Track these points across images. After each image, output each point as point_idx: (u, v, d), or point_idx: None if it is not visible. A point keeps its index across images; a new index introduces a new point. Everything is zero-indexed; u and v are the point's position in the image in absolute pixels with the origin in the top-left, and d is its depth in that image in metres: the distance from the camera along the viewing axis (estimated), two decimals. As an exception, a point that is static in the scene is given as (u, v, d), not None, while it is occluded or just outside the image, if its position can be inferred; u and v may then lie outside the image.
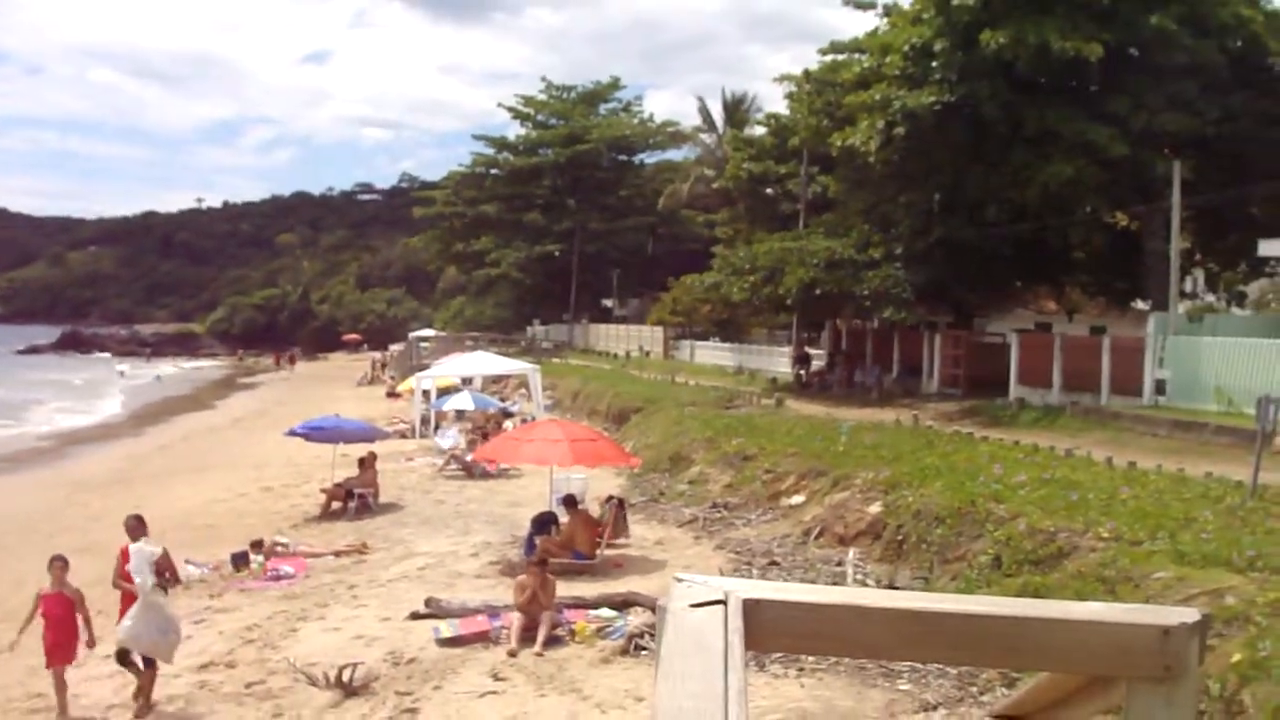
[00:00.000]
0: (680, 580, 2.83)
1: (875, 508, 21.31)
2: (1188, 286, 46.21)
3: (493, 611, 17.67)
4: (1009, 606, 2.88)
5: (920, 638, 2.74)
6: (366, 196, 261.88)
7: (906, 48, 38.16)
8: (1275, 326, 37.33)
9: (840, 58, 46.94)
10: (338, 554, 23.97)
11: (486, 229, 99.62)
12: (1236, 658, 10.93)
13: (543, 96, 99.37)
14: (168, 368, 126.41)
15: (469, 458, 34.44)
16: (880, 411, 37.87)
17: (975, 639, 2.72)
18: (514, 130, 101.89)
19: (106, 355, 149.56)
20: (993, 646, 2.75)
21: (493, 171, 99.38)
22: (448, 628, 17.15)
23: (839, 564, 19.59)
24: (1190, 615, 2.69)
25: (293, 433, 32.48)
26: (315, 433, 32.29)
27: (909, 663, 13.23)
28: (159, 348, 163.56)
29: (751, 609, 2.70)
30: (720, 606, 2.68)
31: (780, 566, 20.25)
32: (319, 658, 16.23)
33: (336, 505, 29.32)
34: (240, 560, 22.84)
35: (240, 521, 28.73)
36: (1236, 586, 12.60)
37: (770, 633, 2.74)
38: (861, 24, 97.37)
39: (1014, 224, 39.91)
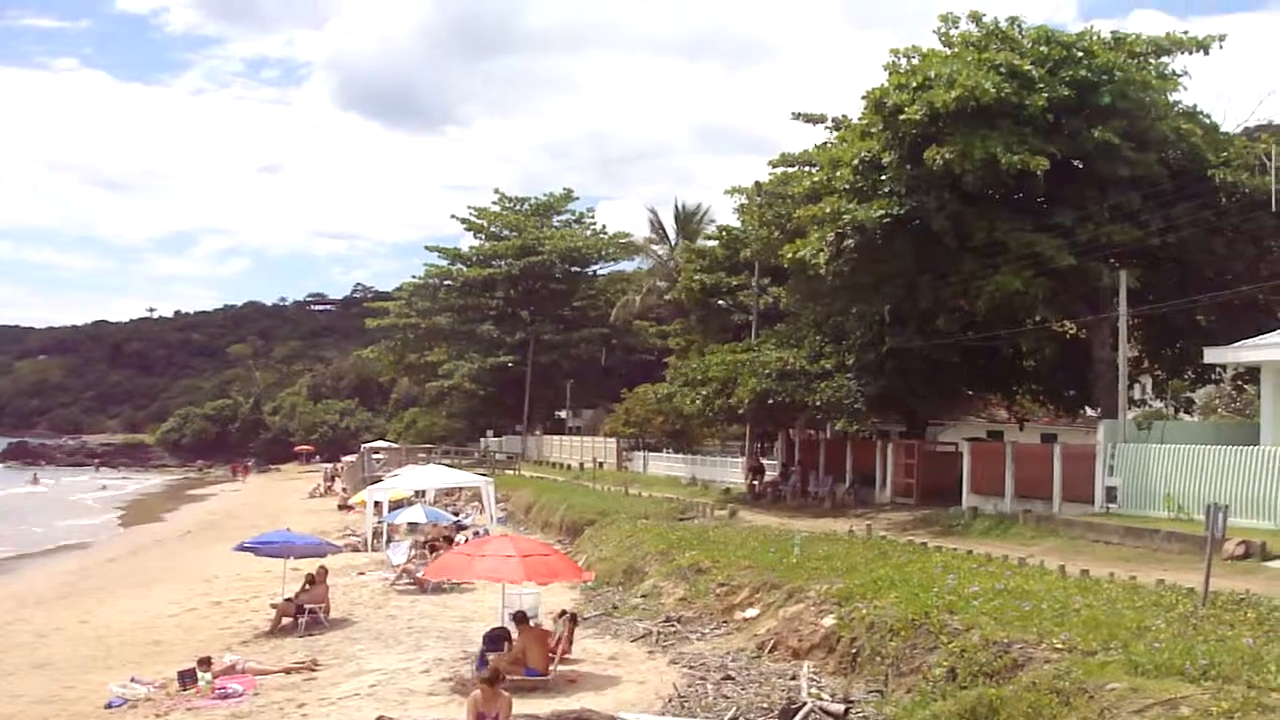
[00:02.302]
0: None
1: (829, 620, 21.20)
2: (1136, 394, 46.59)
3: (447, 731, 17.46)
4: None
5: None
6: (319, 307, 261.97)
7: (856, 161, 38.63)
8: (1222, 433, 37.65)
9: (790, 170, 47.58)
10: (288, 671, 23.63)
11: (440, 340, 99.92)
12: (1191, 770, 10.90)
13: (496, 208, 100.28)
14: (115, 479, 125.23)
15: (420, 573, 34.15)
16: (834, 521, 37.93)
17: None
18: (467, 241, 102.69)
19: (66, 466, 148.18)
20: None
21: (446, 283, 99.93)
22: (399, 746, 16.92)
23: (793, 678, 19.42)
24: None
25: (242, 547, 32.19)
26: (265, 547, 32.05)
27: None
28: (108, 459, 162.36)
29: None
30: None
31: (735, 681, 20.04)
32: (267, 780, 15.98)
33: (287, 621, 28.93)
34: (188, 678, 22.43)
35: (188, 637, 28.40)
36: (1190, 696, 12.57)
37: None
38: (811, 137, 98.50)
39: (964, 333, 40.25)
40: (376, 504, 47.91)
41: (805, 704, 17.26)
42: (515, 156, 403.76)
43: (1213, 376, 46.15)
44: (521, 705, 18.23)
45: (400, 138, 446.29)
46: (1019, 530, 32.56)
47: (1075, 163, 37.11)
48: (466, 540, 37.41)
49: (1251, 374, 39.15)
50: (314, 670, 23.75)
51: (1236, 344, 34.77)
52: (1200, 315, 40.95)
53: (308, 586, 29.88)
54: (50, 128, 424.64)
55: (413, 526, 44.72)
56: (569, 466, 78.11)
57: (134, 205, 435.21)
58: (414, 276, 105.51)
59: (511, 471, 77.55)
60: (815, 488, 47.80)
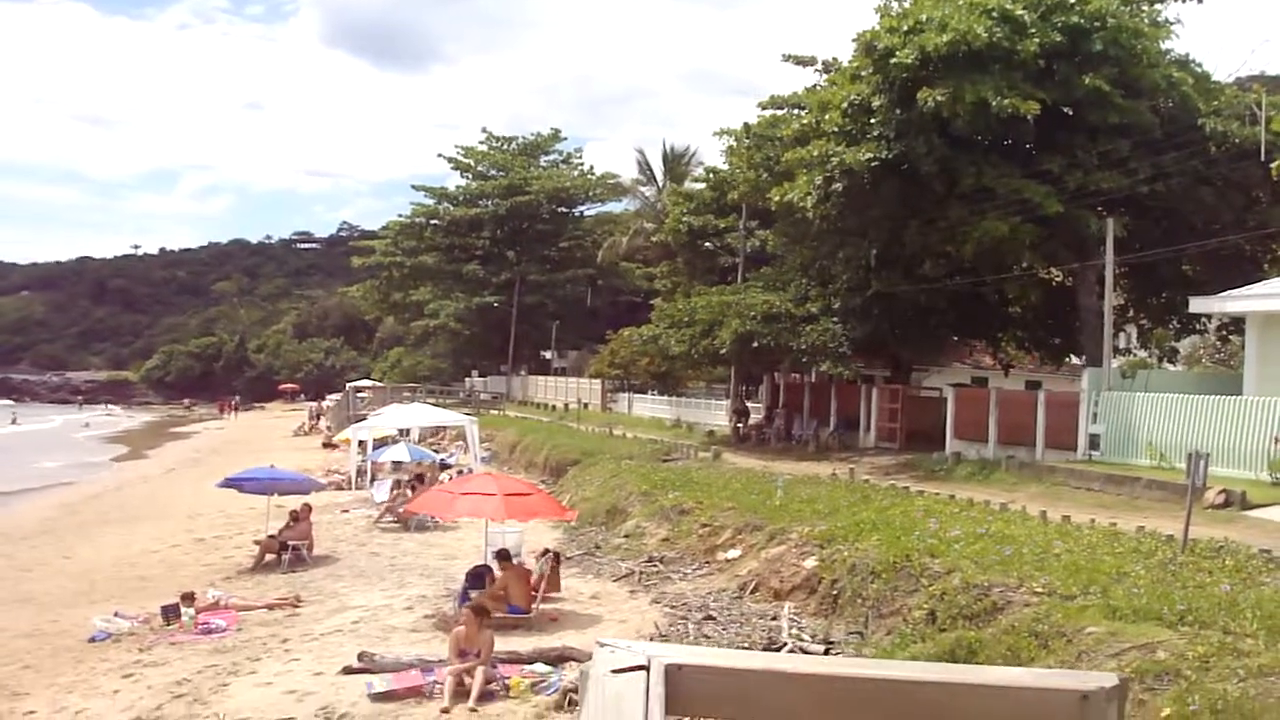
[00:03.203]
0: (603, 645, 2.80)
1: (811, 562, 21.28)
2: (1121, 342, 46.67)
3: (426, 666, 17.45)
4: (932, 672, 2.87)
5: (844, 703, 2.72)
6: (305, 245, 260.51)
7: (845, 104, 38.38)
8: (1206, 382, 37.74)
9: (779, 112, 47.30)
10: (270, 607, 23.64)
11: (425, 279, 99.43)
12: (1166, 712, 10.98)
13: (483, 148, 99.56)
14: (100, 416, 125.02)
15: (402, 510, 34.19)
16: (817, 465, 37.98)
17: (898, 705, 2.70)
18: (454, 181, 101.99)
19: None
20: (915, 712, 2.72)
21: (432, 222, 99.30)
22: (381, 682, 16.90)
23: (774, 619, 19.53)
24: (1108, 680, 2.69)
25: (226, 483, 32.13)
26: (249, 483, 31.98)
27: None
28: (91, 395, 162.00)
29: (674, 675, 2.67)
30: (642, 673, 2.65)
31: (716, 621, 20.15)
32: (250, 713, 15.99)
33: (270, 557, 28.91)
34: (171, 613, 22.43)
35: (172, 573, 28.35)
36: (1167, 641, 12.65)
37: (693, 698, 2.71)
38: (800, 80, 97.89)
39: (950, 279, 40.23)
40: (361, 442, 47.91)
41: (786, 644, 17.38)
42: (502, 96, 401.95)
43: (1198, 326, 46.19)
44: (504, 642, 18.30)
45: (387, 76, 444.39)
46: (1001, 476, 32.64)
47: (1065, 109, 36.91)
48: (450, 479, 37.45)
49: (1236, 324, 39.21)
50: (297, 606, 23.76)
51: (1222, 294, 34.77)
52: (1187, 265, 40.97)
53: (291, 523, 29.86)
54: (34, 61, 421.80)
55: (396, 465, 44.71)
56: (554, 407, 78.03)
57: (118, 141, 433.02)
58: (400, 215, 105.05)
59: (496, 411, 77.51)
60: (799, 431, 47.86)
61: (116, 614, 22.79)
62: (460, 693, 16.23)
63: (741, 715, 2.80)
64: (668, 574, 24.89)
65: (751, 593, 21.92)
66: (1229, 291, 34.61)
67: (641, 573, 25.25)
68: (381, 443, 49.05)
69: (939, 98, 34.25)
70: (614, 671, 2.67)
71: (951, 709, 2.68)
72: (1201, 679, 11.40)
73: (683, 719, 2.81)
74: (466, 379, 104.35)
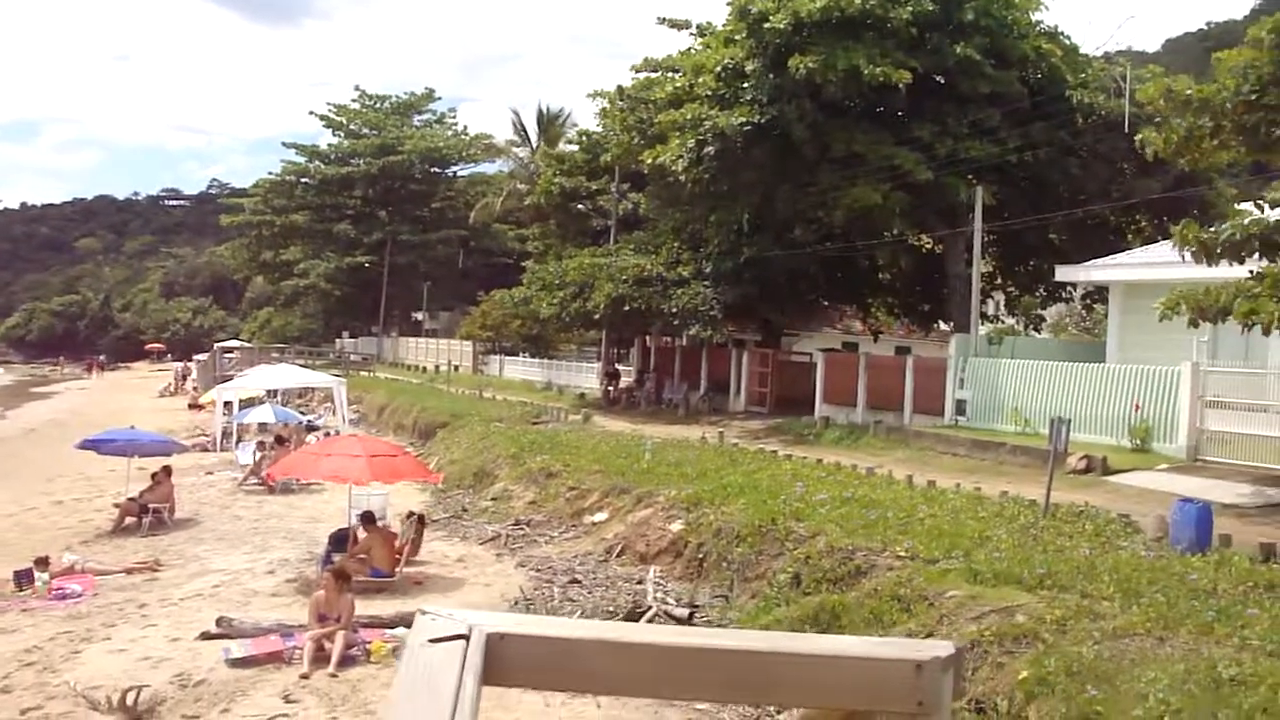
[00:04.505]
0: (425, 613, 2.61)
1: (677, 525, 21.25)
2: (989, 309, 47.27)
3: (286, 631, 17.15)
4: (764, 641, 2.71)
5: (673, 674, 2.55)
6: (173, 202, 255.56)
7: (719, 68, 38.39)
8: (1071, 350, 38.33)
9: (654, 75, 47.11)
10: (129, 571, 23.13)
11: (296, 238, 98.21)
12: (1023, 675, 11.04)
13: (355, 106, 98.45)
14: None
15: (266, 472, 33.67)
16: (687, 428, 38.02)
17: (729, 675, 2.54)
18: (326, 139, 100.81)
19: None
20: (746, 683, 2.58)
21: (303, 180, 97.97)
22: (239, 648, 16.57)
23: (640, 582, 19.46)
24: (944, 649, 2.55)
25: (84, 445, 31.41)
26: (108, 445, 31.30)
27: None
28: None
29: (496, 644, 2.49)
30: (462, 642, 2.46)
31: (581, 584, 20.06)
32: (103, 681, 15.52)
33: (130, 521, 28.26)
34: (24, 578, 21.81)
35: (27, 537, 27.55)
36: (1026, 604, 12.75)
37: (516, 669, 2.53)
38: (676, 43, 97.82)
39: (821, 244, 40.44)
40: (226, 403, 47.13)
41: (650, 608, 17.29)
42: (377, 54, 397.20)
43: (1064, 295, 46.92)
44: (367, 606, 18.08)
45: (258, 29, 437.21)
46: (870, 440, 32.87)
47: (937, 78, 37.23)
48: (317, 441, 36.96)
49: (1100, 293, 39.85)
50: (156, 571, 23.29)
51: (1087, 263, 35.35)
52: (1053, 234, 41.63)
53: (152, 486, 29.28)
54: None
55: (262, 426, 44.02)
56: (424, 369, 77.47)
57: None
58: (271, 173, 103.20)
59: (366, 373, 76.69)
60: (670, 394, 47.89)
61: (-35, 579, 22.14)
62: (320, 658, 15.99)
63: (568, 686, 2.65)
64: (534, 537, 24.78)
65: (617, 556, 21.86)
66: (1094, 260, 35.20)
67: (508, 536, 25.13)
68: (248, 404, 48.32)
69: (811, 64, 34.30)
70: (431, 641, 2.47)
71: (783, 679, 2.54)
72: (1059, 641, 11.51)
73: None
74: (337, 340, 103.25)
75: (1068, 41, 40.11)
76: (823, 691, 2.56)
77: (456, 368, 72.39)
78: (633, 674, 2.56)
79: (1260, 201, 21.12)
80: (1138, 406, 27.77)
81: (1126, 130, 32.13)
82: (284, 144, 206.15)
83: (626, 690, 2.63)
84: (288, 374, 52.35)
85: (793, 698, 2.77)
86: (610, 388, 52.08)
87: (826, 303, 51.19)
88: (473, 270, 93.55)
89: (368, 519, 22.35)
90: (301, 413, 51.73)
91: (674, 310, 42.58)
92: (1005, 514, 18.88)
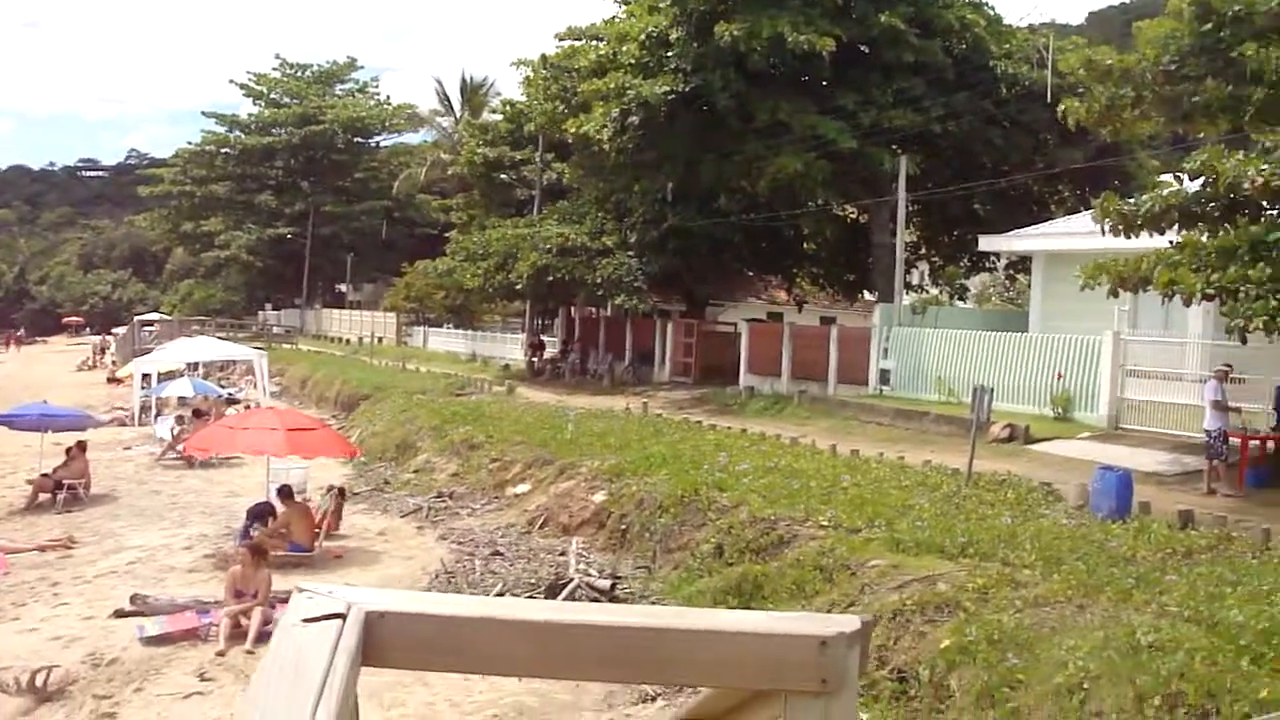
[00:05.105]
0: (302, 590, 2.42)
1: (600, 496, 21.15)
2: (913, 279, 47.40)
3: (202, 608, 16.86)
4: (663, 618, 2.55)
5: (561, 653, 2.38)
6: (91, 173, 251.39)
7: (642, 36, 38.20)
8: (995, 319, 38.51)
9: (577, 44, 46.82)
10: (42, 549, 22.65)
11: (216, 210, 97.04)
12: (945, 643, 11.03)
13: (276, 74, 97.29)
14: None
15: (181, 447, 33.17)
16: (611, 399, 37.91)
17: (620, 654, 2.38)
18: (246, 108, 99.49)
19: None
20: (640, 662, 2.41)
21: (223, 151, 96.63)
22: (153, 626, 16.26)
23: (562, 554, 19.32)
24: (849, 624, 2.41)
25: (-3, 420, 30.84)
26: (20, 420, 30.67)
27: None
28: None
29: (376, 623, 2.32)
30: (337, 622, 2.28)
31: (504, 557, 19.88)
32: (11, 662, 15.18)
33: (44, 497, 27.66)
34: (-68, 555, 21.39)
35: (-65, 516, 27.05)
36: (948, 573, 12.74)
37: (396, 649, 2.36)
38: (599, 11, 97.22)
39: (745, 214, 40.37)
40: (145, 376, 46.47)
41: (573, 579, 17.15)
42: (297, 21, 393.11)
43: (988, 264, 47.13)
44: (285, 581, 17.75)
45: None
46: (794, 410, 32.87)
47: (861, 47, 37.30)
48: (237, 414, 36.51)
49: (1024, 263, 40.00)
50: (70, 548, 22.81)
51: (1010, 233, 35.49)
52: (977, 204, 41.83)
53: (67, 461, 28.75)
54: None
55: (181, 400, 43.43)
56: (348, 341, 76.90)
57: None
58: (190, 143, 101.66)
59: (289, 345, 76.15)
60: (594, 365, 47.74)
61: None
62: (237, 635, 15.76)
63: (452, 667, 2.49)
64: (456, 509, 24.62)
65: (540, 528, 21.72)
66: (1017, 230, 35.36)
67: (430, 508, 24.94)
68: (167, 377, 47.66)
69: (736, 32, 34.22)
70: (305, 620, 2.29)
71: (683, 656, 2.37)
72: (980, 610, 11.50)
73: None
74: (260, 312, 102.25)
75: (991, 12, 40.34)
76: (720, 669, 2.41)
77: (380, 340, 72.01)
78: (521, 653, 2.40)
79: (1179, 173, 21.22)
80: (1060, 375, 27.95)
81: (1049, 101, 32.22)
82: (204, 113, 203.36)
83: (515, 670, 2.46)
84: (208, 347, 51.79)
85: (689, 676, 2.62)
86: (535, 359, 51.87)
87: (751, 273, 51.27)
88: (397, 241, 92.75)
89: (285, 493, 22.06)
90: (222, 386, 51.06)
91: (598, 280, 42.38)
92: (928, 483, 18.94)
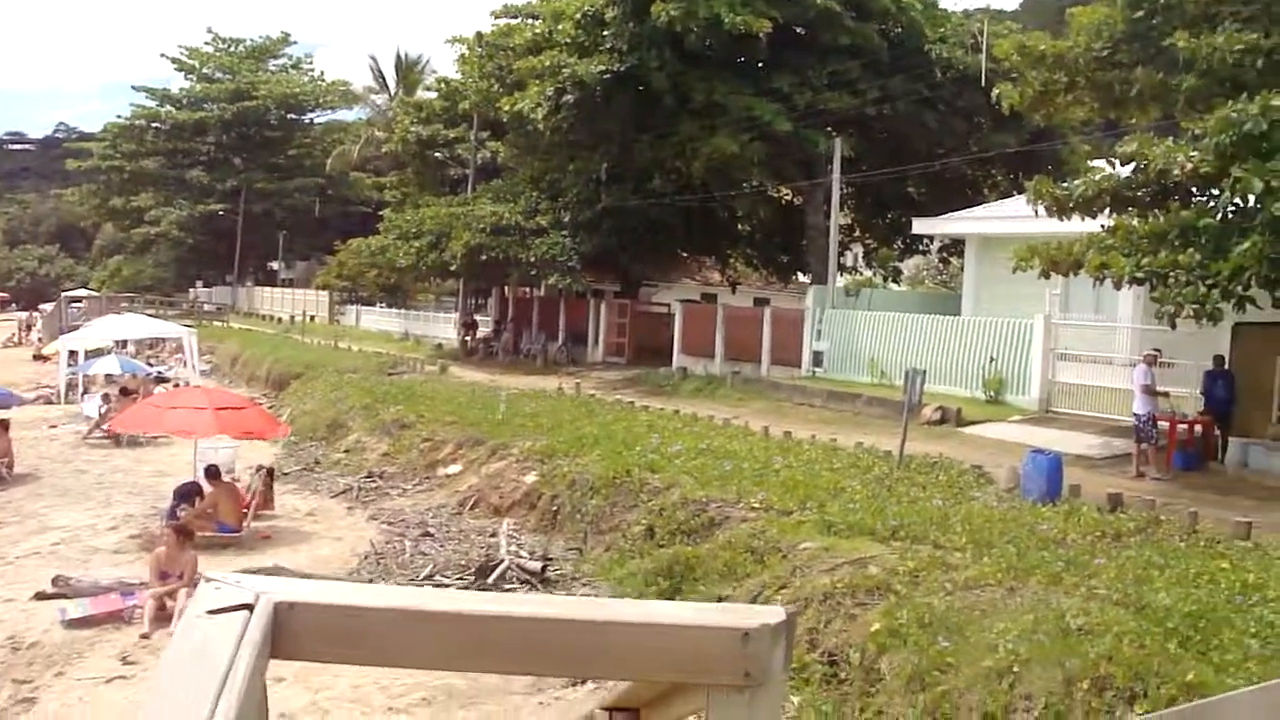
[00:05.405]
0: (210, 580, 2.31)
1: (531, 477, 21.06)
2: (847, 261, 47.59)
3: (127, 590, 16.59)
4: (576, 609, 2.46)
5: (477, 646, 2.29)
6: (17, 146, 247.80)
7: (578, 15, 38.05)
8: (928, 302, 38.68)
9: (513, 22, 46.62)
10: (-39, 528, 22.36)
11: (147, 185, 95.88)
12: (876, 627, 11.01)
13: (209, 48, 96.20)
14: None
15: (107, 426, 32.75)
16: (544, 379, 37.79)
17: (537, 647, 2.29)
18: (178, 83, 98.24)
19: None
20: (559, 655, 2.32)
21: (154, 125, 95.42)
22: (76, 608, 15.97)
23: (493, 535, 19.21)
24: (773, 616, 2.32)
25: (-90, 399, 30.32)
26: (-61, 399, 30.22)
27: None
28: None
29: (285, 614, 2.22)
30: (244, 613, 2.17)
31: (434, 538, 19.76)
32: (-73, 645, 14.95)
33: (-35, 477, 27.34)
34: None
35: None
36: (879, 556, 12.74)
37: (307, 642, 2.26)
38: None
39: (681, 195, 40.30)
40: (71, 354, 45.85)
41: (503, 561, 17.07)
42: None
43: (921, 247, 47.36)
44: (212, 561, 17.56)
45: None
46: (727, 392, 32.89)
47: (797, 29, 37.31)
48: (166, 392, 36.09)
49: (957, 246, 40.19)
50: (-9, 527, 22.52)
51: (944, 216, 35.64)
52: (911, 187, 42.08)
53: (-11, 440, 28.28)
54: None
55: (109, 378, 42.89)
56: (280, 319, 76.35)
57: None
58: (120, 117, 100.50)
59: (220, 323, 75.41)
60: (528, 345, 47.61)
61: None
62: (161, 617, 15.48)
63: (365, 660, 2.39)
64: (387, 490, 24.49)
65: (471, 509, 21.63)
66: (950, 214, 35.48)
67: (360, 488, 24.81)
68: (95, 355, 47.05)
69: (673, 12, 34.19)
70: (210, 612, 2.18)
71: (601, 650, 2.29)
72: (911, 593, 11.52)
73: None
74: (191, 289, 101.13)
75: (927, -5, 40.46)
76: (639, 662, 2.32)
77: (312, 318, 71.58)
78: (436, 647, 2.31)
79: (1112, 159, 21.37)
80: (992, 358, 28.10)
81: (984, 85, 32.39)
82: (134, 87, 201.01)
83: (431, 664, 2.38)
84: (136, 324, 51.05)
85: (607, 669, 2.53)
86: (468, 338, 51.69)
87: (685, 254, 51.22)
88: (330, 219, 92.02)
89: (213, 473, 21.82)
90: (151, 364, 50.48)
91: (532, 260, 42.21)
92: (860, 465, 18.99)
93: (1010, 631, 10.08)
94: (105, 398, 37.13)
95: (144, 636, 15.12)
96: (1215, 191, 18.01)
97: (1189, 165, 17.92)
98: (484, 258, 42.98)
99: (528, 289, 52.67)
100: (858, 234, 47.80)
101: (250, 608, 2.20)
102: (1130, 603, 10.56)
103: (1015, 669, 9.58)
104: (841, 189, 36.78)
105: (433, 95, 64.18)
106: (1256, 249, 16.35)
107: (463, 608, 2.35)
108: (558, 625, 2.29)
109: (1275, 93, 16.73)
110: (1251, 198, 16.43)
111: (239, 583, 2.31)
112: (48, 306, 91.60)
